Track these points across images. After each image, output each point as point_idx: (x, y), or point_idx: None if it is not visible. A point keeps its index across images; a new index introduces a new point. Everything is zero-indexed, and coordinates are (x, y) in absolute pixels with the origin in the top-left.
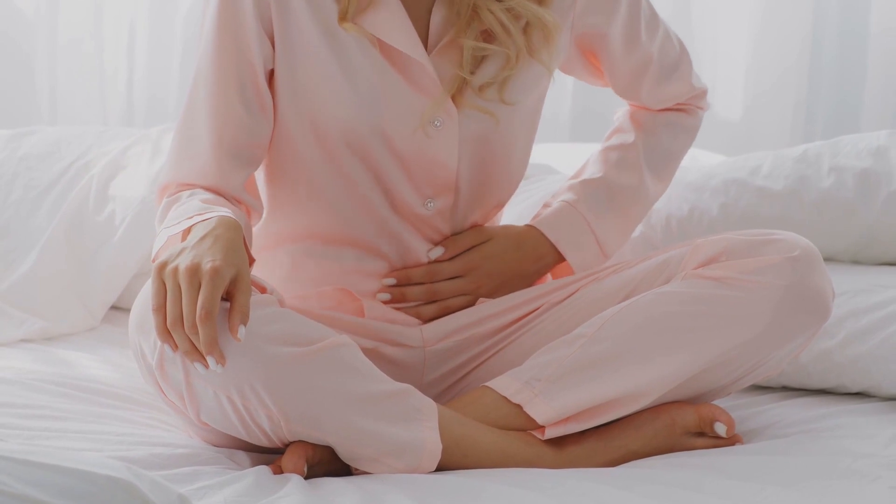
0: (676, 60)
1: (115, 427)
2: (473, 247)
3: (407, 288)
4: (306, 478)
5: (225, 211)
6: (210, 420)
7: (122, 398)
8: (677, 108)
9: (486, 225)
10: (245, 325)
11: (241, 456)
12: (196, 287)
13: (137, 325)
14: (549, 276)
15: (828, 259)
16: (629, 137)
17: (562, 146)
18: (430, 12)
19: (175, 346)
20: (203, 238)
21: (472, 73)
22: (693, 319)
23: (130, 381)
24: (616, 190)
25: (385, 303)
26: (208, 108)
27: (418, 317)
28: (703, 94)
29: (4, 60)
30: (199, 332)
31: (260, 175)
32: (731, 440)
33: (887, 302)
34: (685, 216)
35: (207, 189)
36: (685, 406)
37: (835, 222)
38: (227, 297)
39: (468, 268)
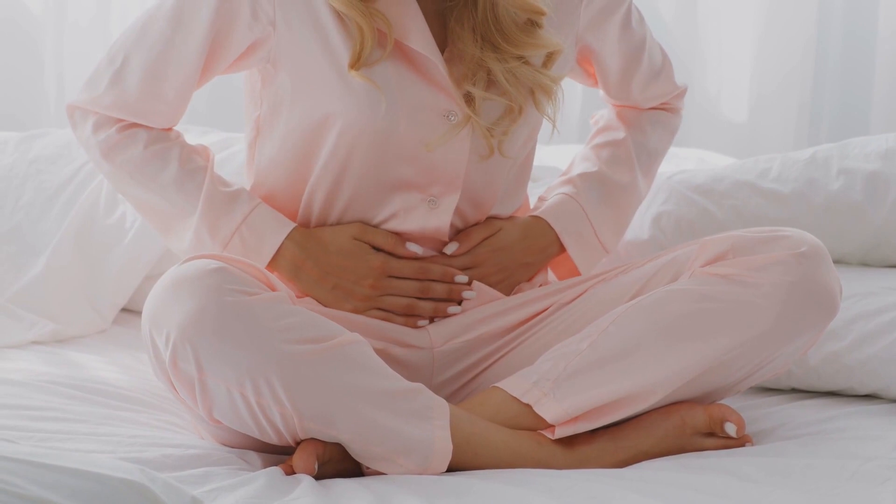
0: (661, 61)
1: (127, 429)
2: (484, 239)
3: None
4: (317, 477)
5: (269, 213)
6: (222, 417)
7: (132, 400)
8: (662, 107)
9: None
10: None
11: (253, 456)
12: (385, 294)
13: (151, 322)
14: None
15: (837, 261)
16: (619, 135)
17: (570, 148)
18: (442, 16)
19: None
20: (328, 258)
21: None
22: (701, 316)
23: (141, 383)
24: (611, 185)
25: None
26: (179, 51)
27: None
28: (683, 93)
29: (13, 56)
30: (437, 294)
31: (275, 166)
32: (741, 441)
33: None
34: (694, 219)
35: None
36: (695, 406)
37: (844, 225)
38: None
39: (476, 261)
